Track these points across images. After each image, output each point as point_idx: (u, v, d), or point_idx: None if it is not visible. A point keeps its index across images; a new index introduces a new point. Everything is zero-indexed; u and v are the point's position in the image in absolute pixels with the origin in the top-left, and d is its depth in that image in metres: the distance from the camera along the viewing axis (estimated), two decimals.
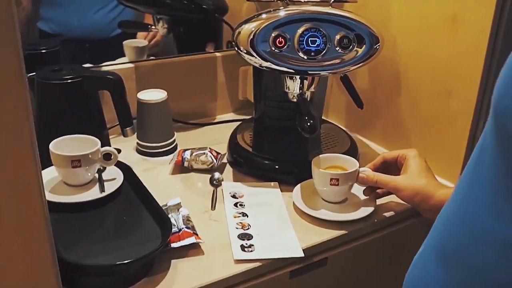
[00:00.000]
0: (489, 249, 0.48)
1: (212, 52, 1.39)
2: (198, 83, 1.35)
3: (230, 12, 1.46)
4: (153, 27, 1.43)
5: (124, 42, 1.37)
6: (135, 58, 1.36)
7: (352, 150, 1.15)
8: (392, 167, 0.99)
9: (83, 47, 1.38)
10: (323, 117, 1.30)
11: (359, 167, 0.97)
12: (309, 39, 0.97)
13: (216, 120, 1.37)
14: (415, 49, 1.11)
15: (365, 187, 0.98)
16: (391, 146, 1.22)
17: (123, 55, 1.37)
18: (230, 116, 1.40)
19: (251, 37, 0.97)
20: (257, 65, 1.00)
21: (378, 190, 0.98)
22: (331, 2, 1.02)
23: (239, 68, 1.37)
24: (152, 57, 1.36)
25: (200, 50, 1.43)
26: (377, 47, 1.01)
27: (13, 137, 0.53)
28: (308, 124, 0.96)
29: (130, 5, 1.42)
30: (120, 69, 1.23)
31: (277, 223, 0.94)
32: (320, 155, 1.01)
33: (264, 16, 0.99)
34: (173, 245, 0.84)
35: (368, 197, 0.99)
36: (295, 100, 1.06)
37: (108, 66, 1.24)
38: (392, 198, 0.97)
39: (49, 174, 0.94)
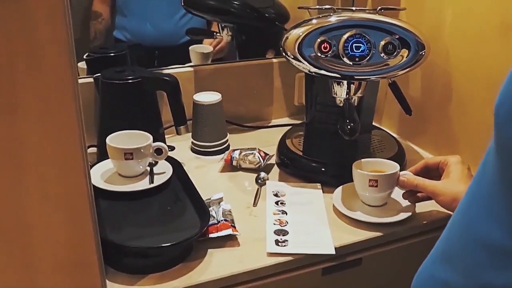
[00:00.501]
0: (484, 254, 0.49)
1: (269, 58, 1.43)
2: (255, 88, 1.40)
3: (292, 20, 1.51)
4: (218, 34, 1.50)
5: (190, 48, 1.45)
6: (200, 63, 1.43)
7: (399, 156, 1.15)
8: (434, 172, 0.99)
9: (151, 54, 1.48)
10: (375, 123, 1.31)
11: (401, 171, 0.98)
12: (354, 45, 1.00)
13: (271, 124, 1.42)
14: (468, 57, 1.10)
15: (404, 191, 0.99)
16: (441, 154, 1.21)
17: (190, 61, 1.45)
18: (285, 120, 1.44)
19: (298, 42, 1.01)
20: (303, 69, 1.04)
21: (418, 194, 0.98)
22: (378, 9, 1.04)
23: (295, 74, 1.40)
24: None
25: (261, 56, 1.49)
26: (423, 53, 1.02)
27: (64, 128, 0.61)
28: (349, 126, 0.98)
29: (197, 14, 1.50)
30: (181, 72, 1.31)
31: (314, 221, 0.97)
32: (363, 159, 1.03)
33: (314, 21, 1.02)
34: (211, 235, 0.89)
35: (407, 201, 0.99)
36: (341, 105, 1.09)
37: (169, 70, 1.32)
38: (433, 205, 0.97)
39: (106, 166, 1.02)
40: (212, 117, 1.22)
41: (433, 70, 1.17)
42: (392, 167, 0.99)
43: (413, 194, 0.99)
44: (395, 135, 1.29)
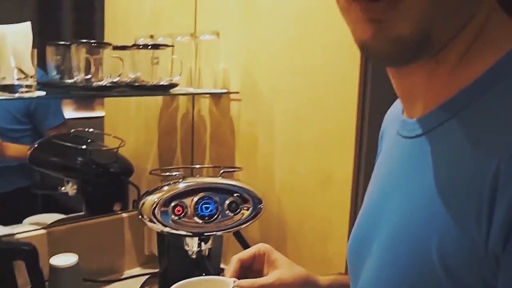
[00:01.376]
0: None
1: (119, 213, 1.52)
2: (107, 243, 1.46)
3: (135, 174, 1.63)
4: (62, 188, 1.55)
5: None
6: None
7: None
8: (249, 269, 0.88)
9: None
10: (222, 265, 1.44)
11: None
12: (203, 206, 1.14)
13: (124, 276, 1.47)
14: (297, 205, 1.31)
15: None
16: None
17: None
18: (137, 270, 1.51)
19: (153, 207, 1.13)
20: (159, 230, 1.15)
21: None
22: (221, 172, 1.21)
23: (144, 225, 1.50)
24: (63, 222, 1.47)
25: (108, 208, 1.56)
26: (261, 206, 1.20)
27: None
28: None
29: (41, 169, 1.56)
30: (32, 236, 1.32)
31: None
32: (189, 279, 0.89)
33: (165, 188, 1.16)
34: None
35: None
36: (194, 256, 1.21)
37: (21, 234, 1.33)
38: None
39: None
40: (70, 279, 1.24)
41: (269, 215, 1.36)
42: (224, 284, 1.00)
43: None
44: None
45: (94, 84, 1.26)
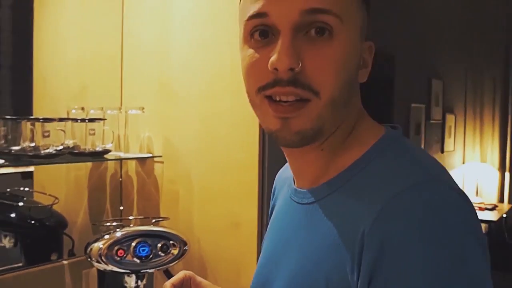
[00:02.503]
0: None
1: (60, 261, 1.75)
2: None
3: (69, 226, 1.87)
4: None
5: None
6: None
7: None
8: None
9: None
10: None
11: None
12: (140, 248, 1.43)
13: None
14: (213, 245, 1.64)
15: None
16: None
17: None
18: None
19: (100, 252, 1.40)
20: (104, 269, 1.42)
21: None
22: (153, 221, 1.51)
23: (82, 270, 1.75)
24: (5, 271, 1.67)
25: (46, 258, 1.78)
26: (186, 248, 1.51)
27: None
28: None
29: None
30: None
31: None
32: None
33: (106, 237, 1.44)
34: None
35: None
36: None
37: None
38: None
39: None
40: None
41: (191, 254, 1.66)
42: None
43: None
44: None
45: (42, 152, 1.53)
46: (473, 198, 5.26)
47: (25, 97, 1.88)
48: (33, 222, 1.84)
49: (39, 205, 1.89)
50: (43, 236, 1.87)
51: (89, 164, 1.92)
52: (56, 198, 1.86)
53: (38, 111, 1.72)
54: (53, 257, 1.83)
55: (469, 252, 0.57)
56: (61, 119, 1.60)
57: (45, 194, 1.90)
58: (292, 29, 0.63)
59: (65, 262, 1.75)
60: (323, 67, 0.64)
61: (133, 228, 1.48)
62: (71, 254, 1.85)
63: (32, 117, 1.54)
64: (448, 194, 0.60)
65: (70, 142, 1.64)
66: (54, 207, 1.86)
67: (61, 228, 1.88)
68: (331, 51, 0.64)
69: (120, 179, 1.90)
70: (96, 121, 1.66)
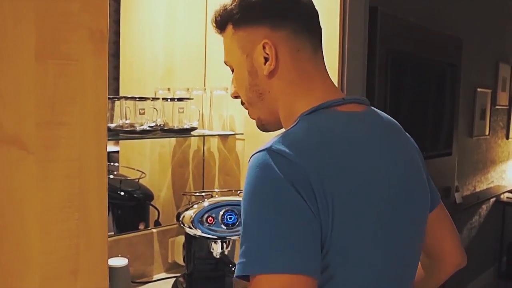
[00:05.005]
0: None
1: (150, 229, 1.91)
2: (141, 253, 1.84)
3: (154, 199, 2.03)
4: None
5: None
6: None
7: None
8: None
9: None
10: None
11: None
12: (228, 216, 1.56)
13: (154, 279, 1.86)
14: None
15: None
16: None
17: None
18: (163, 275, 1.89)
19: (192, 219, 1.54)
20: (194, 234, 1.56)
21: None
22: (239, 193, 1.64)
23: (168, 239, 1.90)
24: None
25: (134, 227, 1.95)
26: None
27: None
28: (233, 269, 1.51)
29: None
30: None
31: None
32: None
33: (195, 206, 1.57)
34: None
35: None
36: (218, 257, 1.62)
37: None
38: None
39: None
40: (122, 278, 1.63)
41: None
42: None
43: None
44: None
45: (137, 128, 1.67)
46: None
47: (112, 81, 2.03)
48: (123, 193, 2.00)
49: (129, 178, 2.05)
50: (132, 206, 2.04)
51: (173, 141, 2.07)
52: (143, 172, 2.02)
53: (125, 93, 1.86)
54: (141, 226, 2.00)
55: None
56: (154, 99, 1.74)
57: (133, 169, 2.07)
58: None
59: (154, 230, 1.91)
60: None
61: (221, 198, 1.60)
62: (157, 223, 2.00)
63: (128, 96, 1.69)
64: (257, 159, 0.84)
65: (159, 120, 1.78)
66: (141, 181, 2.02)
67: (148, 200, 2.04)
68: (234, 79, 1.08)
69: (203, 155, 2.03)
70: (184, 100, 1.79)
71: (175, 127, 1.79)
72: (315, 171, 0.80)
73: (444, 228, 1.10)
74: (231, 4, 1.01)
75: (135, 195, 2.05)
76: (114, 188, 1.99)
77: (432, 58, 2.97)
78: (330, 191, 0.80)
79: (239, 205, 1.62)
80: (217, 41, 2.01)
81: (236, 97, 1.08)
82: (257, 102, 1.02)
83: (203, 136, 1.97)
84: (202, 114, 1.92)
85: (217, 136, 1.96)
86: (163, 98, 1.80)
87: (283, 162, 0.80)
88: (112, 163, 2.05)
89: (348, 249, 0.83)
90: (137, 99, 1.68)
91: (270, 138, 1.82)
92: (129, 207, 2.04)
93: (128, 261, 1.65)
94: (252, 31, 0.98)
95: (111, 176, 1.97)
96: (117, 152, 2.19)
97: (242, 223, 0.81)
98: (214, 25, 1.07)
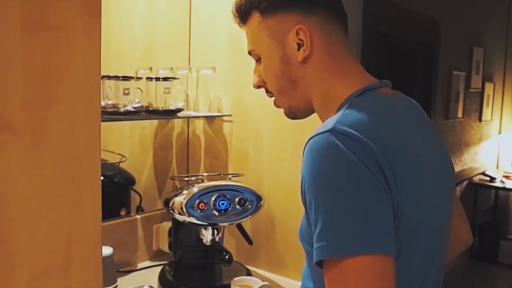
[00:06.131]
0: None
1: (132, 215, 1.82)
2: (124, 240, 1.75)
3: (136, 183, 1.93)
4: None
5: None
6: None
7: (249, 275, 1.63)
8: None
9: None
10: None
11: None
12: (220, 201, 1.48)
13: (138, 267, 1.77)
14: (282, 202, 1.68)
15: None
16: (272, 271, 1.73)
17: None
18: (147, 263, 1.81)
19: (182, 205, 1.45)
20: (184, 221, 1.48)
21: None
22: (230, 177, 1.56)
23: (152, 225, 1.81)
24: None
25: (116, 213, 1.85)
26: (261, 203, 1.56)
27: None
28: (227, 256, 1.44)
29: None
30: None
31: None
32: (235, 278, 1.47)
33: (185, 192, 1.49)
34: None
35: None
36: (208, 243, 1.54)
37: None
38: None
39: None
40: (107, 267, 1.54)
41: (261, 211, 1.71)
42: (256, 282, 1.46)
43: None
44: (238, 261, 1.78)
45: (121, 109, 1.57)
46: (509, 168, 5.24)
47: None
48: (102, 178, 1.89)
49: (108, 162, 1.95)
50: (112, 192, 1.94)
51: (155, 123, 1.97)
52: (123, 156, 1.92)
53: (103, 72, 1.75)
54: (122, 212, 1.90)
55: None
56: (138, 78, 1.64)
57: (113, 152, 1.97)
58: None
59: (137, 216, 1.82)
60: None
61: (212, 183, 1.53)
62: (140, 209, 1.91)
63: (111, 75, 1.58)
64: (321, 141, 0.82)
65: (143, 101, 1.69)
66: (121, 165, 1.92)
67: (130, 185, 1.94)
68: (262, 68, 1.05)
69: (188, 137, 1.94)
70: (170, 79, 1.70)
71: (160, 108, 1.70)
72: (381, 151, 0.81)
73: (457, 209, 1.10)
74: None
75: (115, 180, 1.95)
76: None
77: (410, 39, 2.93)
78: (396, 171, 0.82)
79: (232, 190, 1.57)
80: (202, 16, 1.94)
81: (259, 87, 1.08)
82: (289, 89, 1.01)
83: (188, 117, 1.88)
84: (188, 95, 1.82)
85: (202, 118, 1.87)
86: (147, 78, 1.70)
87: (350, 143, 0.80)
88: None
89: (414, 226, 0.85)
90: (120, 78, 1.58)
91: (259, 119, 1.79)
92: (109, 192, 1.93)
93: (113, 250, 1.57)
94: (283, 17, 0.97)
95: None
96: None
97: (314, 207, 0.81)
98: (237, 15, 1.05)
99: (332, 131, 0.82)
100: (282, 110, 1.08)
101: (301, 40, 0.96)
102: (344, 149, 0.79)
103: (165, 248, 1.80)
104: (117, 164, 1.93)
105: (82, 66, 0.92)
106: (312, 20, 0.96)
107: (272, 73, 1.01)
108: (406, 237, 0.84)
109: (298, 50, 0.96)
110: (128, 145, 2.04)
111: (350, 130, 0.81)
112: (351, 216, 0.78)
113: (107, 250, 1.56)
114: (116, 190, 1.96)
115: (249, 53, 1.07)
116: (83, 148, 0.94)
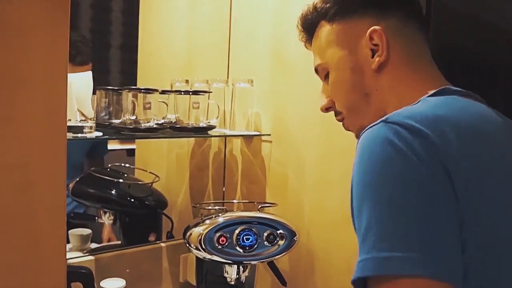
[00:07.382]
0: None
1: (158, 243, 1.64)
2: (147, 270, 1.58)
3: (169, 206, 1.76)
4: (99, 219, 1.68)
5: (70, 231, 1.60)
6: (80, 245, 1.58)
7: None
8: None
9: None
10: None
11: None
12: (244, 237, 1.27)
13: None
14: (324, 238, 1.44)
15: None
16: None
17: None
18: None
19: (200, 238, 1.26)
20: (204, 258, 1.28)
21: None
22: (259, 207, 1.35)
23: (180, 255, 1.63)
24: (107, 250, 1.59)
25: (144, 238, 1.69)
26: (295, 239, 1.33)
27: None
28: None
29: (80, 200, 1.68)
30: (82, 261, 1.45)
31: None
32: None
33: (207, 222, 1.29)
34: None
35: None
36: (232, 283, 1.33)
37: (73, 259, 1.45)
38: None
39: None
40: None
41: (298, 246, 1.48)
42: None
43: None
44: None
45: (142, 125, 1.40)
46: None
47: (131, 74, 1.80)
48: (132, 200, 1.74)
49: (139, 183, 1.79)
50: (142, 215, 1.78)
51: (192, 141, 1.80)
52: (157, 176, 1.76)
53: (142, 85, 1.61)
54: (151, 238, 1.74)
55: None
56: (163, 91, 1.47)
57: (146, 171, 1.81)
58: None
59: (163, 244, 1.64)
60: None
61: (237, 213, 1.32)
62: (170, 236, 1.74)
63: (133, 87, 1.42)
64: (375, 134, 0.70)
65: (172, 117, 1.51)
66: (155, 185, 1.76)
67: (161, 208, 1.77)
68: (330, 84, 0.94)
69: (224, 158, 1.75)
70: (201, 93, 1.52)
71: (189, 125, 1.51)
72: (448, 150, 0.67)
73: None
74: (322, 3, 0.94)
75: (146, 202, 1.78)
76: (123, 194, 1.73)
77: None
78: (466, 172, 0.66)
79: (260, 223, 1.36)
80: (242, 29, 1.76)
81: (328, 109, 0.97)
82: (361, 105, 0.89)
83: (224, 136, 1.69)
84: (224, 111, 1.63)
85: (240, 137, 1.67)
86: (175, 91, 1.52)
87: (406, 135, 0.67)
88: (126, 165, 1.80)
89: (490, 243, 0.67)
90: (142, 90, 1.41)
91: (302, 141, 1.57)
92: (139, 215, 1.77)
93: (126, 282, 1.39)
94: (354, 23, 0.89)
95: (121, 180, 1.71)
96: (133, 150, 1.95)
97: (358, 210, 0.71)
98: (302, 30, 1.00)
99: (385, 121, 0.69)
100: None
101: (375, 45, 0.86)
102: (397, 144, 0.66)
103: (193, 281, 1.61)
104: (150, 184, 1.77)
105: (41, 73, 0.75)
106: (386, 25, 0.86)
107: (342, 87, 0.91)
108: (478, 257, 0.65)
109: (372, 57, 0.86)
110: (165, 164, 1.88)
111: (408, 121, 0.68)
112: (406, 224, 0.65)
113: (119, 283, 1.39)
114: (147, 214, 1.79)
115: (316, 70, 0.98)
116: (41, 175, 0.76)
